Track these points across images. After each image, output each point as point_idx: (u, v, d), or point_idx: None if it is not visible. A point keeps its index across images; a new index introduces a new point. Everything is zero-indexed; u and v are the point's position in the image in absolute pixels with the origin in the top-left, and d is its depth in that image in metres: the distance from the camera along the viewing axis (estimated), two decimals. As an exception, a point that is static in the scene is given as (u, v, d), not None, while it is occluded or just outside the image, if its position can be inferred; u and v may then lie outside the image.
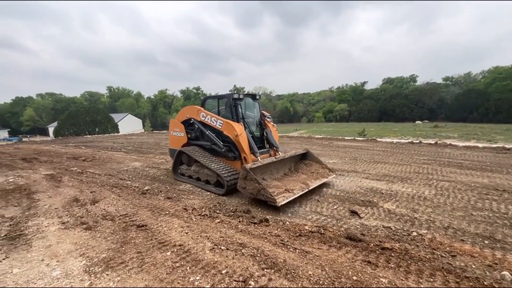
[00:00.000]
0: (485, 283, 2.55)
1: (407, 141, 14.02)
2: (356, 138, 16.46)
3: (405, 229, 3.74)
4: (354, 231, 3.63)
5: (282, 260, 2.93)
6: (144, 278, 2.66)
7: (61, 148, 14.31)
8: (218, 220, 4.15)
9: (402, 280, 2.60)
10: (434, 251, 3.15)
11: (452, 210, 4.41)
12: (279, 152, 6.30)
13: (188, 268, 2.83)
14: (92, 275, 2.74)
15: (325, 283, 2.54)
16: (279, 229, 3.81)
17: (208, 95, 8.56)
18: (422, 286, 2.51)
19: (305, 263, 2.89)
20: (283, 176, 5.80)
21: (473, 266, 2.84)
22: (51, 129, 45.23)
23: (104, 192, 5.71)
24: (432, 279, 2.62)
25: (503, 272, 2.66)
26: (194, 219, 4.19)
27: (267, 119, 6.81)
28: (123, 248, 3.27)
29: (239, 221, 4.12)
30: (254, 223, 4.02)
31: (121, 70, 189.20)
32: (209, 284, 2.55)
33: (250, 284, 2.53)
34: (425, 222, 3.97)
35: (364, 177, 6.71)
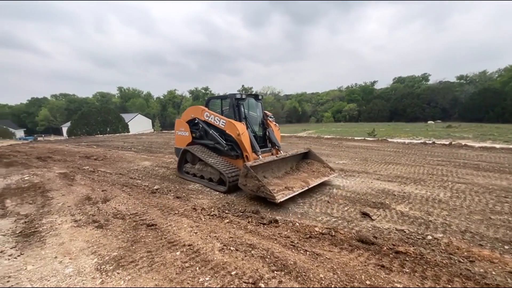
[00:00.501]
0: (507, 291, 2.43)
1: (419, 141, 13.63)
2: (366, 138, 16.15)
3: (419, 233, 3.62)
4: (366, 234, 3.54)
5: (292, 262, 2.88)
6: (154, 278, 2.67)
7: (74, 147, 14.67)
8: (227, 220, 4.13)
9: (418, 285, 2.51)
10: (451, 256, 3.03)
11: (469, 214, 4.24)
12: (281, 151, 6.39)
13: (197, 268, 2.82)
14: (104, 273, 2.77)
15: (337, 287, 2.47)
16: (288, 230, 3.75)
17: (215, 95, 8.64)
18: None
19: (316, 265, 2.83)
20: (284, 175, 5.86)
21: (493, 273, 2.71)
22: (64, 129, 46.71)
23: (115, 191, 5.80)
24: (450, 286, 2.51)
25: (527, 280, 2.53)
26: (203, 219, 4.19)
27: (270, 118, 6.89)
28: (133, 247, 3.29)
29: (248, 222, 4.08)
30: (264, 224, 3.98)
31: (131, 70, 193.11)
32: (219, 285, 2.53)
33: (260, 286, 2.49)
34: (440, 226, 3.82)
35: (375, 178, 6.56)
